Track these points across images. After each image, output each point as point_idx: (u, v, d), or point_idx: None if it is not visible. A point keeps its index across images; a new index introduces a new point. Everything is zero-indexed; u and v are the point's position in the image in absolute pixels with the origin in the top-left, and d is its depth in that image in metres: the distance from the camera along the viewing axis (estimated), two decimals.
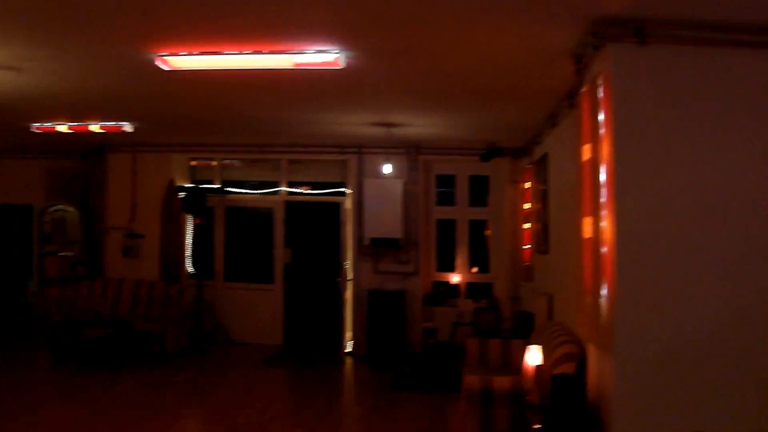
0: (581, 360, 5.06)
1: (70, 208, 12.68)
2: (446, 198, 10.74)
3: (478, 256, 10.73)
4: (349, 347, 10.54)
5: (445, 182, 10.74)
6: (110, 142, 11.17)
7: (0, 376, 8.82)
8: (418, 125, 8.75)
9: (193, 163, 11.63)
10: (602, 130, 4.55)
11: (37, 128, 9.48)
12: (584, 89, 4.94)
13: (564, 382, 4.82)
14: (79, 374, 8.84)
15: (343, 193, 10.75)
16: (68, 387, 8.33)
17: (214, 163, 11.48)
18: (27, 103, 7.85)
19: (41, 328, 11.78)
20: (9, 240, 14.89)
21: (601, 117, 4.56)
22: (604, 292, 4.53)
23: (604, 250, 4.52)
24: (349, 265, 10.53)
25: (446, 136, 9.48)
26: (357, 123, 8.68)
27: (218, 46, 5.39)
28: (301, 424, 7.01)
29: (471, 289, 10.61)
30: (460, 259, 10.62)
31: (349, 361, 10.22)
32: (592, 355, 5.05)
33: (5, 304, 14.18)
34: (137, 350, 9.63)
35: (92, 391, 7.97)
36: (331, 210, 10.71)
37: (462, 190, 10.66)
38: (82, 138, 10.36)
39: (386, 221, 10.20)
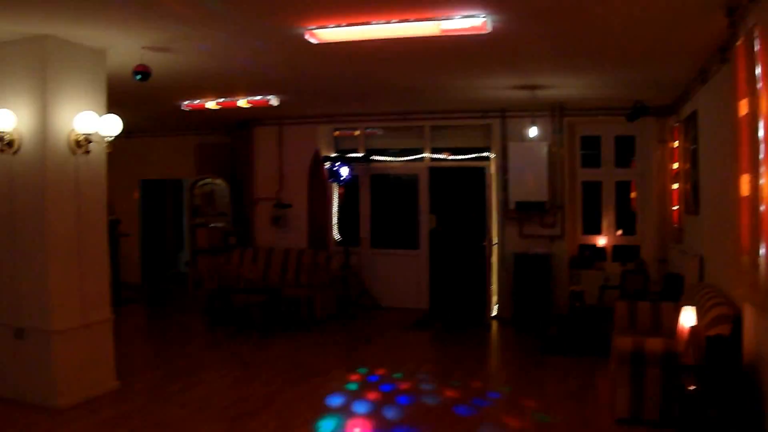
0: (736, 322, 5.04)
1: (219, 181, 13.82)
2: (591, 160, 11.02)
3: (624, 218, 10.95)
4: (494, 311, 11.12)
5: (590, 144, 11.01)
6: (256, 116, 12.22)
7: (160, 341, 9.99)
8: (562, 86, 8.96)
9: (337, 133, 12.53)
10: (760, 84, 4.46)
11: (187, 106, 10.46)
12: (739, 42, 4.94)
13: (719, 344, 4.81)
14: (233, 339, 9.70)
15: (486, 158, 11.27)
16: (223, 351, 9.12)
17: (357, 132, 12.34)
18: (178, 83, 8.60)
19: (194, 296, 13.00)
20: (163, 213, 16.29)
21: (759, 71, 4.49)
22: (762, 251, 4.44)
23: (763, 208, 4.42)
24: (494, 229, 11.01)
25: (591, 96, 9.65)
26: (501, 87, 8.99)
27: (366, 17, 5.69)
28: (451, 385, 7.40)
29: (617, 251, 10.91)
30: (606, 221, 10.90)
31: (495, 325, 10.72)
32: (749, 316, 5.04)
33: (161, 273, 15.59)
34: (287, 316, 10.55)
35: (245, 355, 8.75)
36: (475, 175, 11.31)
37: (607, 151, 10.90)
38: (229, 113, 11.35)
39: (531, 185, 10.62)
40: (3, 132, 6.34)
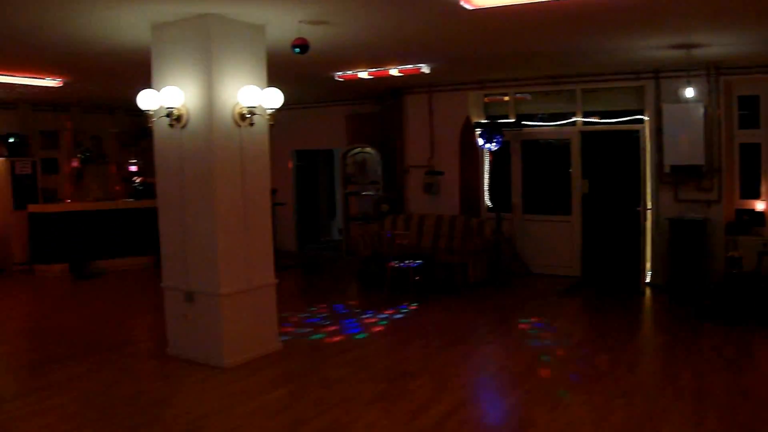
0: None
1: (370, 150, 14.81)
2: (749, 120, 11.11)
3: None
4: (648, 278, 11.65)
5: (748, 104, 11.11)
6: (407, 84, 13.33)
7: (316, 305, 10.98)
8: (720, 44, 9.02)
9: (487, 99, 13.47)
10: None
11: (340, 76, 11.55)
12: None
13: None
14: (388, 303, 10.53)
15: (640, 120, 11.73)
16: (378, 315, 9.91)
17: (507, 98, 13.20)
18: (333, 54, 9.35)
19: (347, 262, 14.21)
20: (316, 183, 17.59)
21: None
22: None
23: None
24: (648, 193, 11.51)
25: (750, 53, 9.69)
26: (654, 47, 9.22)
27: None
28: (605, 350, 7.89)
29: None
30: (766, 185, 10.99)
31: (648, 291, 11.23)
32: None
33: (315, 241, 16.90)
34: (440, 281, 11.53)
35: (401, 319, 9.63)
36: (628, 138, 11.79)
37: (767, 111, 10.93)
38: (380, 82, 12.39)
39: (686, 147, 10.97)
40: (172, 108, 7.18)
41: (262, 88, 7.43)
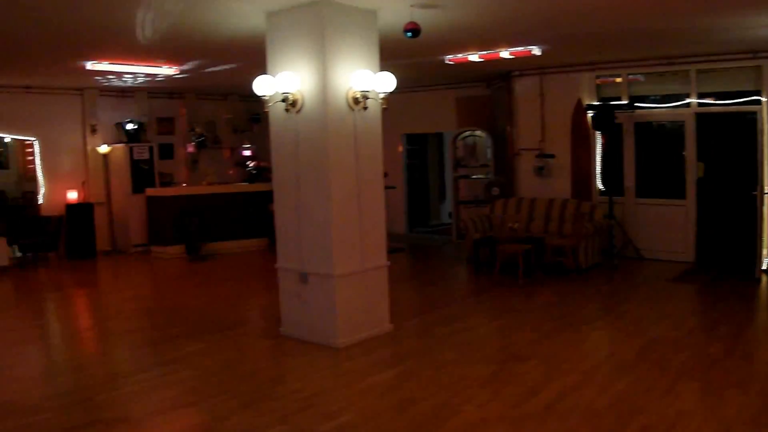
0: None
1: (480, 133, 15.07)
2: None
3: None
4: (765, 265, 11.39)
5: None
6: (517, 67, 13.52)
7: (427, 288, 11.50)
8: None
9: (598, 81, 13.52)
10: None
11: (451, 60, 11.84)
12: None
13: None
14: (497, 286, 10.90)
15: (757, 101, 11.53)
16: (488, 298, 10.36)
17: (619, 79, 13.19)
18: (443, 38, 9.61)
19: (458, 245, 14.73)
20: (425, 166, 18.05)
21: None
22: None
23: None
24: (765, 177, 11.27)
25: None
26: None
27: None
28: (718, 339, 7.77)
29: None
30: None
31: (765, 279, 10.99)
32: None
33: (425, 224, 17.40)
34: (551, 265, 11.78)
35: (511, 303, 9.86)
36: (746, 120, 11.66)
37: None
38: (489, 65, 12.57)
39: None
40: (288, 93, 7.51)
41: (375, 73, 7.68)
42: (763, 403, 5.87)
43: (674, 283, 10.90)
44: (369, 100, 7.68)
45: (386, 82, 7.60)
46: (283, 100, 7.60)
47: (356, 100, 7.61)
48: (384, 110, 7.98)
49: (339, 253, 7.65)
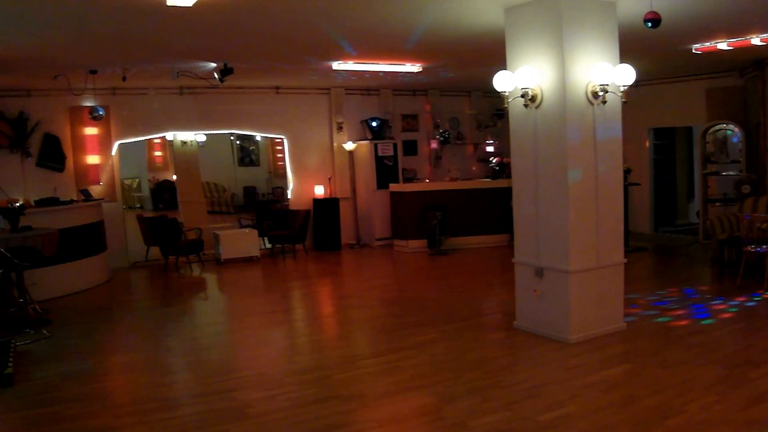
0: None
1: (732, 127, 14.36)
2: None
3: None
4: None
5: None
6: None
7: (665, 287, 11.13)
8: None
9: None
10: None
11: (698, 49, 11.41)
12: None
13: None
14: (741, 291, 10.18)
15: None
16: (728, 301, 9.74)
17: None
18: (688, 25, 9.36)
19: (703, 246, 14.29)
20: (673, 162, 17.48)
21: None
22: None
23: None
24: None
25: None
26: None
27: None
28: None
29: None
30: None
31: None
32: None
33: (671, 223, 16.87)
34: None
35: (752, 307, 9.27)
36: None
37: None
38: (742, 53, 11.97)
39: None
40: (527, 88, 7.66)
41: (614, 65, 7.63)
42: None
43: None
44: (608, 93, 7.63)
45: (626, 75, 7.58)
46: (522, 96, 7.77)
47: (595, 94, 7.60)
48: (624, 104, 7.90)
49: (575, 249, 7.71)
